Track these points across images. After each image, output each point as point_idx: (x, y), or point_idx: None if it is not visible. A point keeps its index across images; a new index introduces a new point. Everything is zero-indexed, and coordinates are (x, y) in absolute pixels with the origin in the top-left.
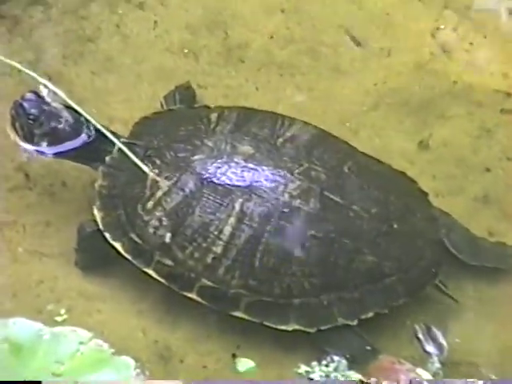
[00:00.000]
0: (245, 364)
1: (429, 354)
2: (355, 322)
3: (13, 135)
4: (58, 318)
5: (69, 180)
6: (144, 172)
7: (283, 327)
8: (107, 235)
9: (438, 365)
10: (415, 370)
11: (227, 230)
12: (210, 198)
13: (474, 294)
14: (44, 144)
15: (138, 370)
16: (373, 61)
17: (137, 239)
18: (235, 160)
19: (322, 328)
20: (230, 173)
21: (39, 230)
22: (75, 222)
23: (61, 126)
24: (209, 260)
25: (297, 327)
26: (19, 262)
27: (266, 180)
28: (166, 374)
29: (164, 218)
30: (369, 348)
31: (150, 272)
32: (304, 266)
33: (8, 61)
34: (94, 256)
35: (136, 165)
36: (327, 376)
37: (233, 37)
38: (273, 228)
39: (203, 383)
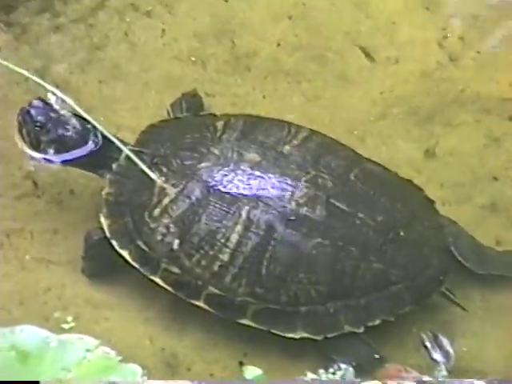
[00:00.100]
0: (252, 372)
1: (436, 361)
2: (361, 330)
3: (20, 143)
4: (65, 326)
5: (77, 188)
6: (151, 179)
7: (290, 335)
8: (114, 243)
9: (444, 373)
10: (422, 378)
11: (234, 237)
12: (217, 205)
13: (481, 302)
14: (51, 151)
15: (145, 378)
16: (379, 69)
17: (144, 247)
18: (242, 168)
19: (329, 336)
20: (237, 180)
21: (47, 238)
22: (83, 230)
23: (68, 134)
24: (216, 268)
25: (304, 335)
26: (26, 270)
27: (272, 188)
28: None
29: (171, 226)
30: (376, 356)
31: (157, 280)
32: (310, 273)
33: (16, 68)
34: (100, 264)
35: (143, 172)
36: None
37: (240, 45)
38: (279, 236)
39: (209, 383)
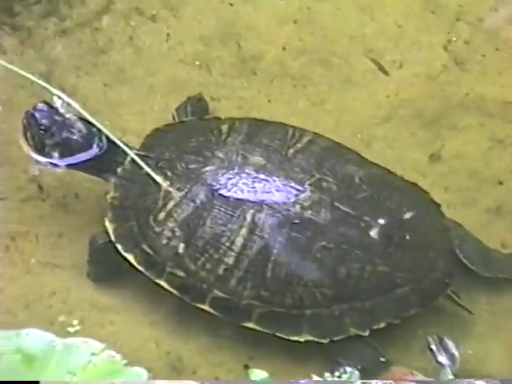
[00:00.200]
0: (257, 375)
1: (441, 364)
2: (367, 333)
3: (25, 146)
4: (71, 329)
5: (81, 192)
6: (156, 183)
7: (296, 338)
8: (119, 247)
9: (450, 376)
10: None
11: (239, 241)
12: (222, 209)
13: (486, 305)
14: (55, 155)
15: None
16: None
17: (149, 250)
18: (246, 171)
19: (335, 339)
20: (242, 184)
21: (52, 241)
22: (88, 234)
23: (73, 137)
24: (221, 271)
25: (309, 338)
26: (32, 273)
27: (277, 191)
28: None
29: (176, 230)
30: (381, 359)
31: (163, 283)
32: (315, 276)
33: (21, 72)
34: (106, 268)
35: (148, 176)
36: None
37: (246, 48)
38: (284, 239)
39: (215, 383)
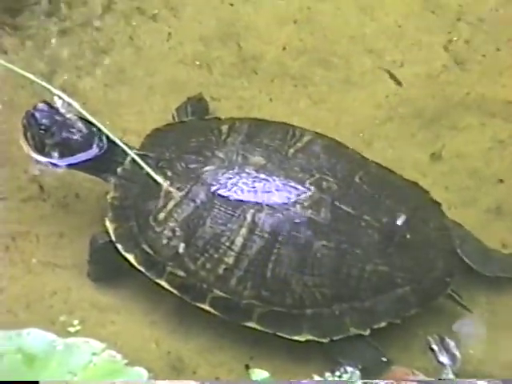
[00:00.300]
0: (258, 375)
1: (442, 364)
2: (367, 332)
3: (25, 146)
4: (71, 329)
5: (82, 192)
6: (157, 183)
7: (296, 338)
8: (119, 247)
9: (451, 375)
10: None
11: (239, 240)
12: (222, 208)
13: (487, 304)
14: (55, 154)
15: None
16: (385, 72)
17: (149, 250)
18: (246, 171)
19: (335, 338)
20: (242, 183)
21: (52, 241)
22: (88, 234)
23: (73, 137)
24: (221, 271)
25: (310, 337)
26: (32, 273)
27: (277, 190)
28: None
29: (176, 229)
30: (382, 359)
31: (163, 283)
32: (316, 276)
33: (22, 72)
34: (106, 267)
35: (149, 176)
36: None
37: (246, 48)
38: (284, 239)
39: (215, 383)
